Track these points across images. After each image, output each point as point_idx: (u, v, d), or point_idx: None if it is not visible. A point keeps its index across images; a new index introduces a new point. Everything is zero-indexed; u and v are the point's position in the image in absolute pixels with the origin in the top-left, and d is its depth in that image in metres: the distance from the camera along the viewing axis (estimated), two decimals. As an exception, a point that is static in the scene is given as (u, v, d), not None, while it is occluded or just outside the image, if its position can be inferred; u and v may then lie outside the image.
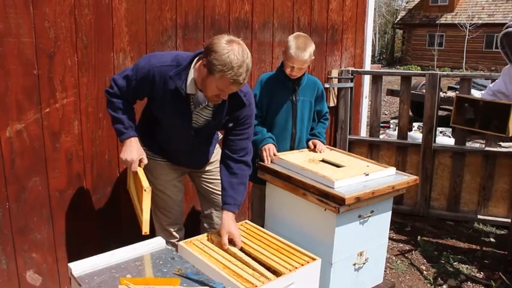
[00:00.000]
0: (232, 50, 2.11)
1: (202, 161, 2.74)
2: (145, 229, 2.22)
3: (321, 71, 4.34)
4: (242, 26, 3.50)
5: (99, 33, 2.75)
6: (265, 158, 2.80)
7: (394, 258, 3.73)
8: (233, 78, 2.12)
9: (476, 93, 4.11)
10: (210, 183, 2.79)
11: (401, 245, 3.97)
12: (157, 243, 2.15)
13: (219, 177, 2.61)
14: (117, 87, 2.38)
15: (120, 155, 2.39)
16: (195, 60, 2.31)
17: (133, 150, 2.36)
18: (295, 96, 2.96)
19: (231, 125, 2.48)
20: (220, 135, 2.80)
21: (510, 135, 3.24)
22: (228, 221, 2.39)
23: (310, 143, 3.07)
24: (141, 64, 2.36)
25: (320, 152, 2.99)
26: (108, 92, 2.41)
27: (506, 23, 3.36)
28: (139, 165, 2.36)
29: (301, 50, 2.76)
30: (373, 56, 33.64)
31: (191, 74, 2.29)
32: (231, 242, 2.34)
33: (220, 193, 2.62)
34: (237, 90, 2.26)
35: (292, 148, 3.03)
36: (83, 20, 2.66)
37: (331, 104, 4.47)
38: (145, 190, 2.17)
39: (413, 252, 3.85)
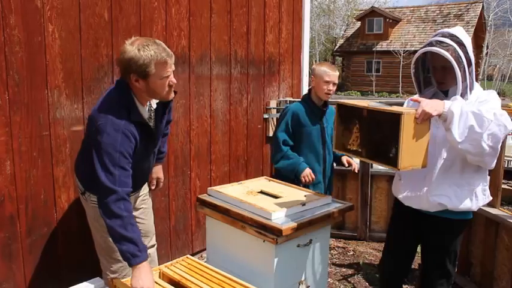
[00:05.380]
0: (137, 44, 2.13)
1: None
2: None
3: (260, 102, 4.44)
4: (180, 60, 3.54)
5: (32, 71, 2.71)
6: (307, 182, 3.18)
7: (337, 283, 3.79)
8: (163, 55, 2.14)
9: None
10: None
11: (344, 270, 4.06)
12: (97, 284, 2.11)
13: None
14: (119, 184, 2.08)
15: (132, 283, 2.06)
16: (123, 87, 2.28)
17: (149, 277, 2.08)
18: (323, 122, 3.30)
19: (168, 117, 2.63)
20: None
21: (400, 168, 2.04)
22: (158, 168, 2.92)
23: (344, 160, 3.40)
24: (109, 133, 2.15)
25: (355, 170, 3.42)
26: (110, 200, 2.07)
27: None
28: None
29: (332, 69, 3.25)
30: (315, 83, 34.64)
31: (134, 99, 2.29)
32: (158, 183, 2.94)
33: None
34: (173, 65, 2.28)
35: (324, 170, 3.35)
36: (14, 57, 2.61)
37: (271, 134, 4.56)
38: None
39: (355, 276, 3.94)
